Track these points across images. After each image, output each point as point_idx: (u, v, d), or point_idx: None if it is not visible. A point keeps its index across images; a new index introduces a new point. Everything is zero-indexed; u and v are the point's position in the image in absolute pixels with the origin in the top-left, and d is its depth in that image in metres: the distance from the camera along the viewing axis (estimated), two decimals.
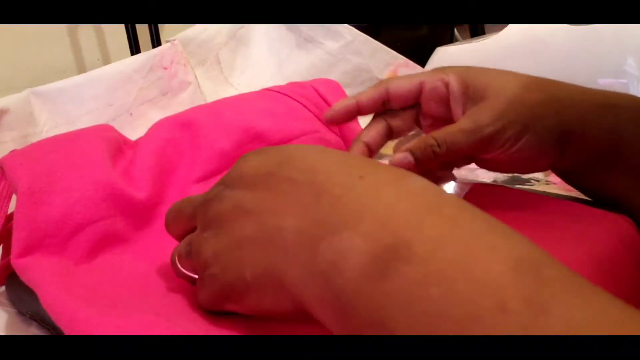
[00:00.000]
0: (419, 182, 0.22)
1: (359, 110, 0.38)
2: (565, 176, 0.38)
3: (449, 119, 0.36)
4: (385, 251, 0.19)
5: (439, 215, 0.19)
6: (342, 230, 0.20)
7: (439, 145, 0.33)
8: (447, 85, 0.35)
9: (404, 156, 0.33)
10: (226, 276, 0.24)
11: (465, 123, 0.33)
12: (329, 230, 0.20)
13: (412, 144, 0.33)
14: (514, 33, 0.55)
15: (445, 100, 0.35)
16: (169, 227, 0.29)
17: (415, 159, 0.33)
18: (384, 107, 0.38)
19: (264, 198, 0.23)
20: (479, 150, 0.34)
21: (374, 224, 0.20)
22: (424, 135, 0.35)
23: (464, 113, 0.35)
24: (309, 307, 0.21)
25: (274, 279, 0.23)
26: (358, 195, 0.21)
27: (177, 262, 0.28)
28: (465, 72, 0.35)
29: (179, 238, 0.29)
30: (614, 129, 0.33)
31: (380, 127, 0.38)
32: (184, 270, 0.27)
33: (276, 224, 0.23)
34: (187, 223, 0.28)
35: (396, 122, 0.38)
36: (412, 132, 0.41)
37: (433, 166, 0.35)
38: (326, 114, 0.39)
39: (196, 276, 0.27)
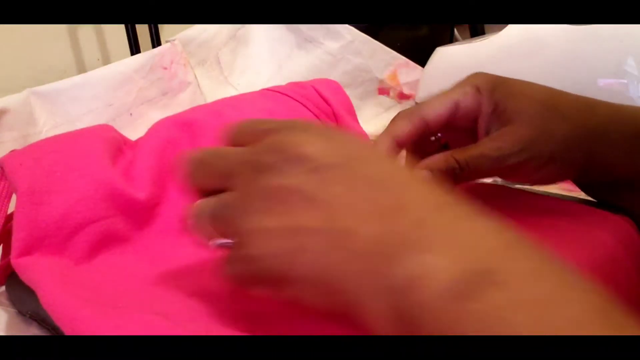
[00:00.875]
0: (494, 224, 0.21)
1: (399, 148, 0.35)
2: (579, 185, 0.37)
3: (470, 130, 0.35)
4: (474, 275, 0.19)
5: (528, 251, 0.20)
6: (427, 250, 0.20)
7: (461, 168, 0.32)
8: (480, 104, 0.34)
9: (424, 174, 0.32)
10: (270, 262, 0.22)
11: (489, 148, 0.32)
12: (414, 247, 0.20)
13: (432, 161, 0.32)
14: (514, 33, 0.55)
15: (474, 117, 0.34)
16: (192, 177, 0.26)
17: (435, 177, 0.32)
18: (425, 136, 0.35)
19: (337, 192, 0.22)
20: (499, 174, 0.34)
21: (461, 250, 0.20)
22: (443, 153, 0.34)
23: (487, 132, 0.33)
24: (363, 313, 0.21)
25: (330, 280, 0.21)
26: (443, 222, 0.21)
27: (197, 223, 0.25)
28: (495, 89, 0.34)
29: (201, 194, 0.26)
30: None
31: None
32: (211, 241, 0.25)
33: (349, 226, 0.21)
34: (216, 180, 0.25)
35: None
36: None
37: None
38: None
39: (222, 241, 0.25)
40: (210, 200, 0.25)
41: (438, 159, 0.32)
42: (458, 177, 0.32)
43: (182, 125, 0.40)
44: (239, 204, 0.24)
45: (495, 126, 0.33)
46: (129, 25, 0.77)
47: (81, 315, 0.25)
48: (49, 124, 0.57)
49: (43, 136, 0.55)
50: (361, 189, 0.22)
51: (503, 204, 0.36)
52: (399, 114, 0.35)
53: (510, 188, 0.41)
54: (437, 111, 0.34)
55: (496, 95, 0.33)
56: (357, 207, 0.22)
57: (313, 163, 0.23)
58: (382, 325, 0.20)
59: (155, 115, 0.61)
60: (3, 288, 0.35)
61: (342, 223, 0.21)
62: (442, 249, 0.20)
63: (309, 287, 0.22)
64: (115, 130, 0.40)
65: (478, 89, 0.34)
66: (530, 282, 0.18)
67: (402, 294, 0.19)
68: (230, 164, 0.25)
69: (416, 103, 0.64)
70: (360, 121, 0.51)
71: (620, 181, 0.34)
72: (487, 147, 0.32)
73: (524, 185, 0.39)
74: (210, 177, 0.26)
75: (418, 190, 0.22)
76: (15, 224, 0.30)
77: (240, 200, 0.24)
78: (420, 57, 0.69)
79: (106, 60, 0.88)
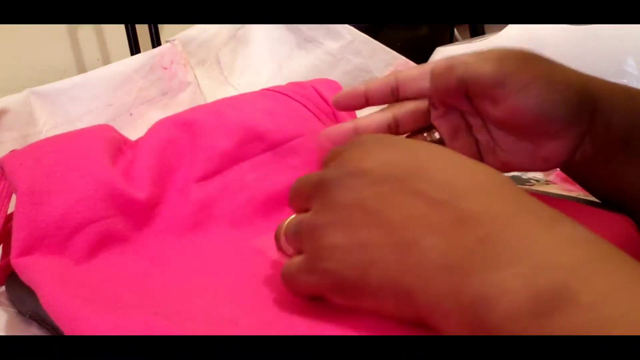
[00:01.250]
0: (576, 230, 0.21)
1: (367, 97, 0.36)
2: (577, 169, 0.36)
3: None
4: (547, 295, 0.18)
5: (610, 264, 0.19)
6: (497, 268, 0.19)
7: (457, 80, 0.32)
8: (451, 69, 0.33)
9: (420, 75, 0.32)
10: (345, 275, 0.23)
11: (489, 55, 0.33)
12: (480, 265, 0.20)
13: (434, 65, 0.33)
14: (514, 33, 0.55)
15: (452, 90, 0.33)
16: (291, 204, 0.29)
17: (433, 80, 0.32)
18: (393, 97, 0.36)
19: (396, 205, 0.23)
20: (493, 92, 0.31)
21: (530, 268, 0.19)
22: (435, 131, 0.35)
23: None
24: (438, 325, 0.21)
25: (402, 292, 0.22)
26: (511, 236, 0.20)
27: (282, 239, 0.27)
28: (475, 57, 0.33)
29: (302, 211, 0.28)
30: (634, 117, 0.32)
31: (382, 118, 0.36)
32: (286, 251, 0.27)
33: (413, 238, 0.22)
34: (305, 202, 0.27)
35: (403, 115, 0.36)
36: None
37: (448, 97, 0.34)
38: (334, 97, 0.37)
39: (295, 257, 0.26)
40: (292, 220, 0.27)
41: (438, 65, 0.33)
42: (459, 80, 0.32)
43: (182, 125, 0.40)
44: (311, 221, 0.25)
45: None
46: (129, 25, 0.77)
47: (81, 315, 0.25)
48: (49, 124, 0.57)
49: (43, 136, 0.55)
50: (420, 201, 0.22)
51: None
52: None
53: None
54: (410, 72, 0.35)
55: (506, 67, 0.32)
56: (417, 220, 0.22)
57: (372, 177, 0.24)
58: (459, 334, 0.20)
59: (155, 115, 0.61)
60: (3, 288, 0.35)
61: (403, 236, 0.22)
62: (510, 268, 0.19)
63: (386, 298, 0.23)
64: (115, 130, 0.40)
65: (450, 62, 0.33)
66: (611, 301, 0.17)
67: (473, 313, 0.19)
68: (310, 186, 0.27)
69: None
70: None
71: (617, 151, 0.33)
72: (485, 54, 0.33)
73: (521, 184, 0.39)
74: (300, 200, 0.28)
75: (484, 199, 0.22)
76: (15, 224, 0.30)
77: (312, 218, 0.25)
78: (420, 57, 0.69)
79: (106, 60, 0.88)
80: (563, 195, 0.40)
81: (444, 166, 0.24)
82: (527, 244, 0.20)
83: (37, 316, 0.32)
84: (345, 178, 0.24)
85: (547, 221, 0.21)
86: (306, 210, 0.27)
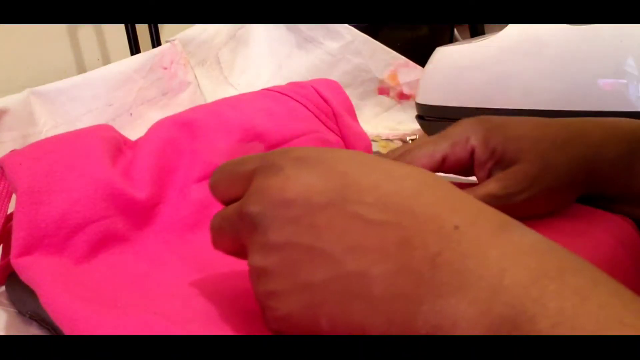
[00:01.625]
0: (526, 236, 0.19)
1: None
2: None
3: (469, 171, 0.35)
4: (502, 322, 0.17)
5: (560, 284, 0.17)
6: (450, 294, 0.18)
7: None
8: (471, 153, 0.33)
9: None
10: (297, 319, 0.22)
11: (496, 188, 0.32)
12: (432, 291, 0.19)
13: None
14: (514, 33, 0.55)
15: (464, 165, 0.34)
16: (217, 247, 0.26)
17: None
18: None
19: (334, 236, 0.20)
20: (505, 212, 0.33)
21: (483, 291, 0.18)
22: None
23: (488, 176, 0.33)
24: None
25: (356, 328, 0.20)
26: (458, 254, 0.19)
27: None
28: (489, 138, 0.33)
29: (232, 253, 0.26)
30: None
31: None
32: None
33: (358, 270, 0.20)
34: (233, 244, 0.25)
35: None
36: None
37: None
38: None
39: None
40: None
41: None
42: None
43: (182, 125, 0.40)
44: (249, 266, 0.23)
45: (497, 169, 0.33)
46: (129, 25, 0.77)
47: (81, 315, 0.25)
48: (49, 124, 0.57)
49: (43, 136, 0.55)
50: (357, 226, 0.20)
51: None
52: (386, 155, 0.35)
53: None
54: (421, 161, 0.34)
55: (491, 144, 0.33)
56: (358, 248, 0.20)
57: (299, 208, 0.21)
58: None
59: (155, 115, 0.61)
60: (3, 288, 0.35)
61: (347, 269, 0.20)
62: (463, 292, 0.18)
63: (342, 333, 0.21)
64: (115, 130, 0.40)
65: (467, 140, 0.33)
66: (569, 323, 0.16)
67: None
68: (233, 227, 0.24)
69: (416, 103, 0.64)
70: (360, 121, 0.50)
71: (617, 195, 0.34)
72: (493, 186, 0.32)
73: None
74: (227, 242, 0.25)
75: (425, 213, 0.20)
76: (15, 224, 0.30)
77: (249, 263, 0.23)
78: (420, 57, 0.69)
79: (106, 60, 0.88)
80: None
81: (374, 179, 0.21)
82: (478, 261, 0.18)
83: (37, 316, 0.32)
84: (270, 214, 0.22)
85: (495, 229, 0.20)
86: (240, 251, 0.25)
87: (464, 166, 0.34)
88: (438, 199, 0.21)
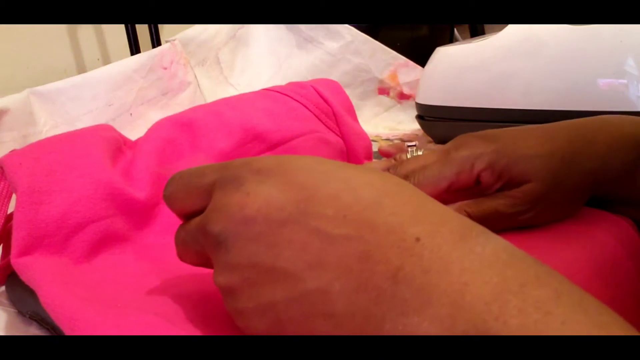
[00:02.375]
0: (489, 246, 0.19)
1: None
2: None
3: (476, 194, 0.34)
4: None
5: (522, 299, 0.17)
6: (410, 312, 0.18)
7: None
8: (477, 178, 0.33)
9: None
10: (267, 333, 0.21)
11: (503, 205, 0.32)
12: (392, 308, 0.18)
13: None
14: (514, 33, 0.55)
15: (475, 189, 0.33)
16: (183, 260, 0.26)
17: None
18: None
19: (292, 253, 0.20)
20: (512, 226, 0.32)
21: (445, 308, 0.17)
22: (455, 205, 0.33)
23: (496, 190, 0.33)
24: None
25: None
26: (420, 268, 0.18)
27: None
28: (494, 162, 0.32)
29: (199, 265, 0.26)
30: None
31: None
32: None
33: (319, 287, 0.19)
34: (199, 258, 0.25)
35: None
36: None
37: None
38: None
39: None
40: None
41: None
42: None
43: (182, 125, 0.40)
44: (219, 286, 0.23)
45: (504, 188, 0.32)
46: (129, 25, 0.77)
47: (81, 314, 0.25)
48: (49, 124, 0.57)
49: (43, 136, 0.55)
50: (317, 241, 0.20)
51: None
52: None
53: None
54: (427, 189, 0.32)
55: (498, 168, 0.32)
56: (319, 265, 0.19)
57: (260, 226, 0.21)
58: None
59: (155, 115, 0.61)
60: (3, 288, 0.35)
61: (308, 287, 0.20)
62: (425, 310, 0.18)
63: None
64: (115, 130, 0.40)
65: (472, 167, 0.32)
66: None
67: None
68: (195, 242, 0.24)
69: (416, 103, 0.64)
70: (360, 121, 0.51)
71: (620, 198, 0.35)
72: (501, 202, 0.32)
73: None
74: (192, 256, 0.25)
75: (386, 223, 0.19)
76: (15, 224, 0.30)
77: (214, 279, 0.23)
78: (420, 57, 0.69)
79: (106, 60, 0.88)
80: None
81: (334, 189, 0.21)
82: (439, 276, 0.18)
83: (37, 316, 0.32)
84: (232, 233, 0.21)
85: (457, 240, 0.19)
86: (206, 263, 0.24)
87: (471, 190, 0.33)
88: (399, 208, 0.20)
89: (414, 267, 0.18)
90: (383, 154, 0.45)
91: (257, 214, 0.21)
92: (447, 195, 0.33)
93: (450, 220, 0.20)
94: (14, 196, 0.32)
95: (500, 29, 0.57)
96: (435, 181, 0.32)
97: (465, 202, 0.33)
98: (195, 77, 0.69)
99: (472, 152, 0.32)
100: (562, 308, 0.17)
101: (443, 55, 0.62)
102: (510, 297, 0.17)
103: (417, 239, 0.19)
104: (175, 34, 0.69)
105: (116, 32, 0.84)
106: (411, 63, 0.72)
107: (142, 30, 0.79)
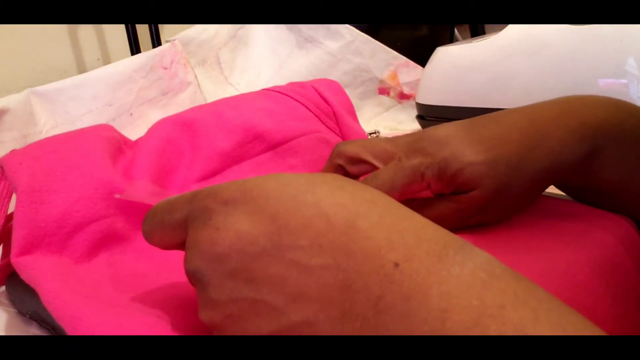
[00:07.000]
0: (467, 266, 0.18)
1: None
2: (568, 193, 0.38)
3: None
4: None
5: (501, 323, 0.17)
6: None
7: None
8: (425, 186, 0.32)
9: None
10: None
11: (449, 210, 0.32)
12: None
13: None
14: (514, 33, 0.55)
15: (428, 193, 0.33)
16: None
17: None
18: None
19: (273, 288, 0.20)
20: (456, 224, 0.32)
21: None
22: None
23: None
24: None
25: None
26: (400, 296, 0.18)
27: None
28: (442, 167, 0.31)
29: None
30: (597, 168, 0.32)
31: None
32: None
33: (302, 320, 0.19)
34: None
35: (355, 170, 0.35)
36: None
37: None
38: None
39: None
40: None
41: None
42: None
43: (182, 125, 0.40)
44: (201, 316, 0.22)
45: (455, 192, 0.32)
46: (129, 25, 0.77)
47: (82, 313, 0.25)
48: (49, 124, 0.57)
49: (43, 136, 0.55)
50: (295, 273, 0.19)
51: None
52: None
53: None
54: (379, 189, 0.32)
55: (445, 177, 0.31)
56: (300, 297, 0.19)
57: (234, 261, 0.20)
58: None
59: (155, 115, 0.61)
60: (3, 288, 0.35)
61: (291, 321, 0.19)
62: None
63: None
64: (116, 130, 0.40)
65: (423, 177, 0.32)
66: None
67: None
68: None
69: (416, 103, 0.64)
70: (360, 121, 0.51)
71: (579, 186, 0.34)
72: (448, 206, 0.32)
73: None
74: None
75: (365, 251, 0.19)
76: (16, 223, 0.30)
77: (200, 319, 0.23)
78: (420, 57, 0.69)
79: (106, 60, 0.88)
80: (563, 196, 0.40)
81: (305, 216, 0.20)
82: (419, 303, 0.18)
83: (37, 316, 0.32)
84: (207, 271, 0.21)
85: (435, 262, 0.19)
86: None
87: (425, 194, 0.33)
88: (374, 231, 0.20)
89: (394, 295, 0.18)
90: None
91: (230, 250, 0.20)
92: (400, 197, 0.33)
93: (426, 239, 0.20)
94: (14, 196, 0.32)
95: (500, 29, 0.57)
96: (388, 190, 0.32)
97: (416, 202, 0.33)
98: (196, 77, 0.69)
99: (422, 161, 0.32)
100: (541, 329, 0.16)
101: (443, 55, 0.62)
102: (490, 321, 0.17)
103: (396, 264, 0.19)
104: (176, 34, 0.69)
105: (116, 32, 0.84)
106: (411, 63, 0.72)
107: (142, 30, 0.79)
